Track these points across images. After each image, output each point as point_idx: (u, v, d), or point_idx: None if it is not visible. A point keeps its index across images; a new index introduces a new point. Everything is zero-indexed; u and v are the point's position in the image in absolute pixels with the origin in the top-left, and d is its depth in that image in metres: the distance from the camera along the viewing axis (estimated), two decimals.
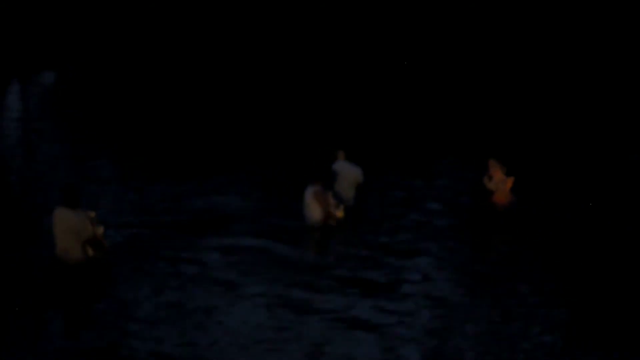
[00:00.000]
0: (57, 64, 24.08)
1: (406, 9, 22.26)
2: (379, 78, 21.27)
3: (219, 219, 10.59)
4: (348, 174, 10.63)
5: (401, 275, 8.74)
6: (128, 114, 18.04)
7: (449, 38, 21.90)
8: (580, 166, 13.48)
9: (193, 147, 14.92)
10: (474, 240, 10.09)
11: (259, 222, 10.51)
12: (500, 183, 10.52)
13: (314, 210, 10.03)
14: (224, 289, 8.29)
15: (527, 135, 15.55)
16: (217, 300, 8.01)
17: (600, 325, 7.59)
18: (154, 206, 11.14)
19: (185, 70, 22.89)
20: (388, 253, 9.44)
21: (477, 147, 14.84)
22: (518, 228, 10.50)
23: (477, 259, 9.41)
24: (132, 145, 15.12)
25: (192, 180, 12.60)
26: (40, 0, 25.33)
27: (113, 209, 10.56)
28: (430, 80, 21.14)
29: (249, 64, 22.69)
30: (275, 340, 7.14)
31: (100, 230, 8.72)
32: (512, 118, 17.36)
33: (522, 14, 20.66)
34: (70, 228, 8.51)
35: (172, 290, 8.22)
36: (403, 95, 19.98)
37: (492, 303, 8.03)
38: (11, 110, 18.27)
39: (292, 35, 23.00)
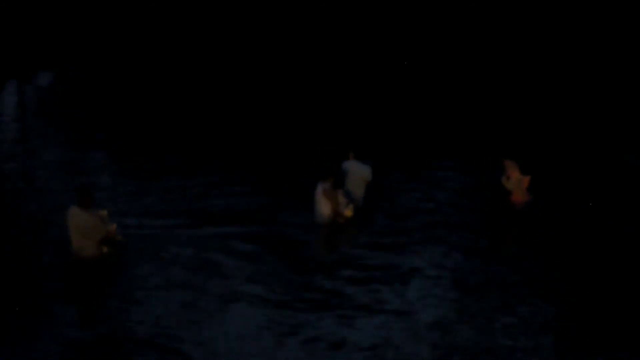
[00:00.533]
0: (56, 64, 23.94)
1: (407, 9, 22.34)
2: (379, 78, 21.24)
3: (224, 217, 10.60)
4: (357, 172, 10.71)
5: (408, 276, 8.80)
6: (129, 114, 17.92)
7: (449, 38, 21.93)
8: (580, 166, 13.56)
9: (196, 145, 14.90)
10: (481, 240, 10.16)
11: (265, 220, 10.53)
12: (517, 182, 10.74)
13: (323, 207, 10.14)
14: (231, 288, 8.35)
15: (526, 135, 15.64)
16: (226, 299, 8.07)
17: (600, 325, 7.67)
18: (156, 204, 11.14)
19: (189, 69, 22.84)
20: (396, 253, 9.49)
21: (485, 148, 14.89)
22: (519, 228, 10.61)
23: (483, 259, 9.47)
24: (134, 144, 15.10)
25: (196, 178, 12.58)
26: (37, 0, 25.22)
27: (114, 207, 10.47)
28: (431, 80, 21.08)
29: (254, 64, 22.68)
30: (285, 341, 7.26)
31: (113, 227, 8.89)
32: (512, 118, 17.36)
33: (523, 13, 20.74)
34: (82, 228, 8.70)
35: (177, 290, 8.27)
36: (405, 95, 19.94)
37: (496, 305, 8.13)
38: (8, 111, 18.18)
39: (294, 36, 23.05)
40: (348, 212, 10.19)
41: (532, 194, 10.84)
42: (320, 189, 10.15)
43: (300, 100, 19.46)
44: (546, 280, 8.81)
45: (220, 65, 23.10)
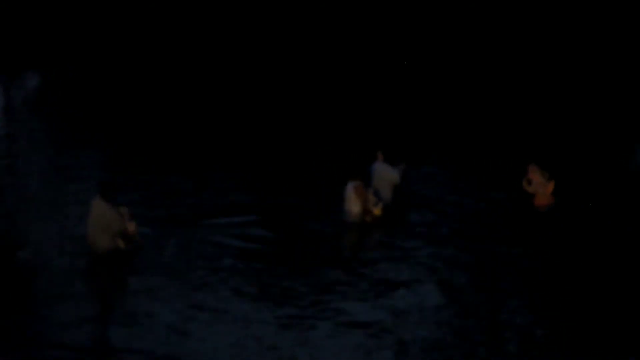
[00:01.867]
0: (43, 65, 23.66)
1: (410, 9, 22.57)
2: (379, 78, 21.32)
3: (242, 214, 10.76)
4: (385, 175, 10.97)
5: (420, 276, 8.97)
6: (129, 113, 17.85)
7: (449, 38, 22.14)
8: (580, 166, 13.61)
9: (202, 144, 14.95)
10: (492, 245, 10.19)
11: (284, 219, 10.78)
12: (539, 186, 11.20)
13: (353, 205, 10.39)
14: (242, 287, 8.49)
15: (527, 135, 15.71)
16: (234, 299, 8.21)
17: (600, 325, 7.78)
18: (162, 203, 11.22)
19: (203, 69, 22.75)
20: (413, 254, 9.62)
21: (487, 149, 15.05)
22: (520, 228, 10.84)
23: (493, 263, 9.55)
24: (136, 143, 15.12)
25: (204, 177, 12.64)
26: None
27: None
28: (442, 81, 21.14)
29: (256, 65, 22.73)
30: (299, 341, 7.41)
31: (133, 226, 9.14)
32: (512, 118, 17.52)
33: (523, 13, 21.05)
34: (100, 219, 8.92)
35: (183, 289, 8.35)
36: (420, 97, 19.90)
37: (497, 305, 8.37)
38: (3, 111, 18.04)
39: (294, 36, 23.16)
40: (377, 210, 10.49)
41: (557, 197, 11.25)
42: (351, 187, 10.41)
43: (307, 102, 19.39)
44: (545, 280, 9.03)
45: (230, 65, 22.95)
